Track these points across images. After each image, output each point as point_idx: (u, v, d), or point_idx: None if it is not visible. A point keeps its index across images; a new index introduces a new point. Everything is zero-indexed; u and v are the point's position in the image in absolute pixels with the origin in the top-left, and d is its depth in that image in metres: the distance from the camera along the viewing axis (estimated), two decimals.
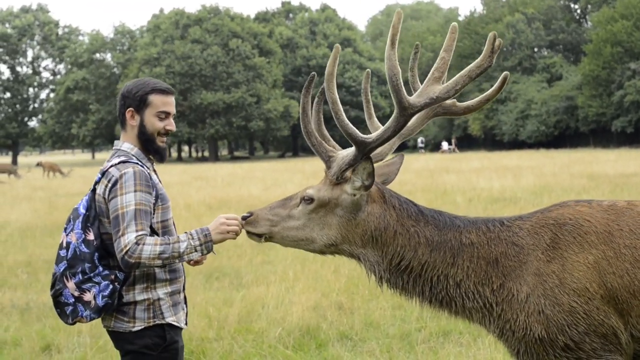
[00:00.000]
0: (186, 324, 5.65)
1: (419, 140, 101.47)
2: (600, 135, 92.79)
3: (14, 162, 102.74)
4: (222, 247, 16.82)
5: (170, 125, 5.56)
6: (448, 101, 5.66)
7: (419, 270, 5.35)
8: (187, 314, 5.70)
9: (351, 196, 5.36)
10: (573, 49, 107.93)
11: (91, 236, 5.23)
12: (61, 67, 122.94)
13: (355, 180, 5.33)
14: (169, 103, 5.54)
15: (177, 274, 5.51)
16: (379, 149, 5.71)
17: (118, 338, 5.41)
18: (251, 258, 15.96)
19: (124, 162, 5.34)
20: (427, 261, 5.34)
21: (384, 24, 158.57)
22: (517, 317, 5.20)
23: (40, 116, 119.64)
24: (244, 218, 5.49)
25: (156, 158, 5.62)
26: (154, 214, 5.33)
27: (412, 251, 5.34)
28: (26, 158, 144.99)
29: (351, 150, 5.45)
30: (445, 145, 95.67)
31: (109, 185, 5.21)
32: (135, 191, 5.14)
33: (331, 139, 5.76)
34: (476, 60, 5.26)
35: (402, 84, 5.18)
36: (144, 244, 4.98)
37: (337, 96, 5.31)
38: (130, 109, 5.46)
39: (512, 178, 32.29)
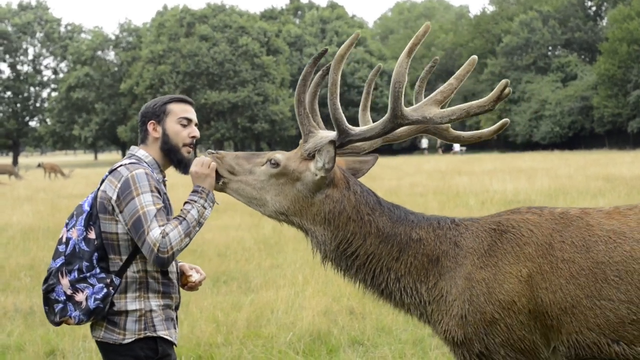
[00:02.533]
0: (176, 344, 5.67)
1: (423, 141, 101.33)
2: (616, 136, 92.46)
3: (15, 162, 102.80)
4: (230, 250, 16.89)
5: (194, 132, 5.67)
6: (442, 125, 5.79)
7: (364, 259, 5.49)
8: (177, 333, 5.72)
9: (313, 175, 5.46)
10: (588, 48, 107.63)
11: (92, 235, 5.29)
12: (63, 65, 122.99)
13: (318, 160, 5.42)
14: (189, 110, 5.68)
15: (171, 289, 5.55)
16: (358, 143, 5.85)
17: (107, 349, 5.45)
18: (259, 262, 15.95)
19: (134, 163, 5.43)
20: (373, 252, 5.47)
21: (394, 22, 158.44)
22: (442, 318, 5.29)
23: (41, 115, 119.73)
24: (210, 153, 5.62)
25: (180, 169, 5.71)
26: None
27: (362, 239, 5.46)
28: (27, 159, 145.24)
29: (332, 134, 5.58)
30: (456, 146, 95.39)
31: (119, 185, 5.27)
32: (151, 191, 5.24)
33: (319, 116, 5.87)
34: (480, 100, 5.40)
35: (402, 93, 5.31)
36: (168, 234, 5.06)
37: (339, 79, 5.45)
38: (152, 121, 5.60)
39: (526, 180, 32.20)
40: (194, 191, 5.38)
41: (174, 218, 5.26)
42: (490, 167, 47.21)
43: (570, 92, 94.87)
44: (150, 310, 5.39)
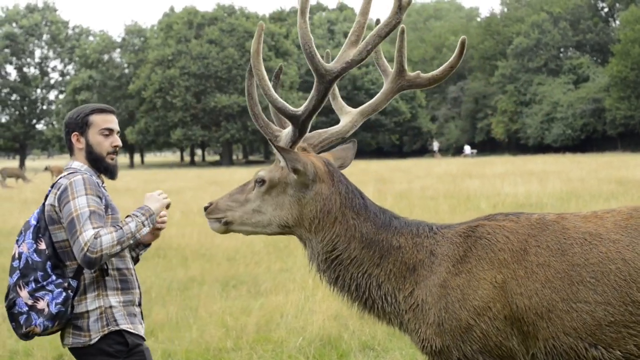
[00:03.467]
0: (144, 339, 5.81)
1: (434, 144, 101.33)
2: (628, 138, 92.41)
3: (22, 166, 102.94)
4: (239, 254, 16.89)
5: (116, 141, 5.87)
6: (411, 74, 5.87)
7: (347, 263, 5.54)
8: (144, 328, 5.87)
9: (292, 175, 5.58)
10: (600, 49, 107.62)
11: (43, 246, 5.45)
12: (70, 67, 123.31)
13: (280, 161, 5.62)
14: (110, 120, 5.84)
15: (129, 285, 5.72)
16: (339, 127, 6.02)
17: (80, 354, 5.60)
18: (269, 265, 15.95)
19: (71, 173, 5.60)
20: (356, 256, 5.53)
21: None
22: (419, 327, 5.32)
23: (47, 118, 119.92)
24: (205, 208, 5.84)
25: (107, 175, 5.89)
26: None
27: (346, 243, 5.53)
28: (34, 162, 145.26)
29: (290, 128, 5.70)
30: (467, 149, 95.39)
31: (58, 193, 5.45)
32: (86, 194, 5.38)
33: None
34: (385, 19, 5.41)
35: (315, 51, 5.40)
36: (101, 237, 5.18)
37: (265, 72, 5.57)
38: (75, 133, 5.77)
39: (537, 183, 32.13)
40: (140, 208, 5.61)
41: (111, 225, 5.41)
42: (501, 170, 47.14)
43: (582, 94, 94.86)
44: (110, 307, 5.54)
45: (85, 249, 5.13)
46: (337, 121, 6.14)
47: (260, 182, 5.70)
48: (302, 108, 5.58)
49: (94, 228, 5.20)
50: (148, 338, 10.58)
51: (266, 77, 5.57)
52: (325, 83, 5.49)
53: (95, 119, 5.72)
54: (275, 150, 5.68)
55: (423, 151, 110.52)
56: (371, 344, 10.14)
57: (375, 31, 5.42)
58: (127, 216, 5.51)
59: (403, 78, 5.85)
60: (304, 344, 10.07)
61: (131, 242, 5.36)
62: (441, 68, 5.75)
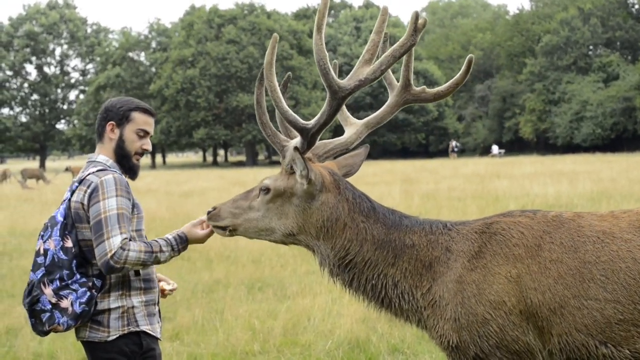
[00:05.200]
0: (160, 339, 5.89)
1: (453, 143, 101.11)
2: None
3: (42, 166, 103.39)
4: (264, 256, 16.91)
5: (147, 145, 5.91)
6: (417, 88, 5.94)
7: (361, 266, 5.62)
8: (161, 327, 5.95)
9: (301, 185, 5.64)
10: (630, 47, 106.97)
11: (69, 243, 5.45)
12: (90, 66, 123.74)
13: (295, 169, 5.65)
14: (150, 123, 5.89)
15: (152, 284, 5.78)
16: (344, 138, 6.12)
17: (93, 348, 5.62)
18: (295, 268, 15.98)
19: (101, 170, 5.61)
20: (370, 258, 5.61)
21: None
22: (437, 323, 5.40)
23: (68, 118, 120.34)
24: (208, 213, 5.87)
25: (129, 175, 5.91)
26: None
27: (358, 246, 5.61)
28: (54, 162, 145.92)
29: (299, 139, 5.78)
30: (495, 149, 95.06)
31: (89, 191, 5.46)
32: (117, 196, 5.40)
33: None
34: (399, 40, 5.44)
35: (330, 67, 5.50)
36: (129, 250, 5.24)
37: (277, 84, 5.66)
38: (112, 122, 5.78)
39: (567, 184, 32.04)
40: (179, 237, 5.66)
41: (145, 242, 5.45)
42: (530, 170, 47.01)
43: (612, 92, 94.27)
44: (132, 307, 5.60)
45: (109, 255, 5.17)
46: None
47: (265, 190, 5.77)
48: (312, 121, 5.68)
49: (121, 233, 5.24)
50: (173, 341, 10.67)
51: (278, 89, 5.65)
52: (337, 99, 5.60)
53: (137, 116, 5.77)
54: (288, 159, 5.76)
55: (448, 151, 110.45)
56: (400, 347, 10.16)
57: (390, 52, 5.48)
58: (166, 240, 5.58)
59: (409, 92, 5.95)
60: (332, 347, 10.12)
61: (152, 263, 5.43)
62: (447, 84, 5.82)
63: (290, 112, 5.66)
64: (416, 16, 5.34)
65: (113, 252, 5.17)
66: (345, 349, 10.07)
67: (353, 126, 6.19)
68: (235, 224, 5.82)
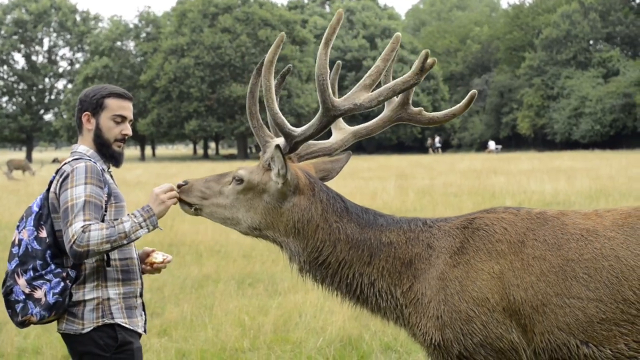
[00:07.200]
0: (145, 331, 5.89)
1: (436, 139, 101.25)
2: None
3: (29, 157, 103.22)
4: (255, 251, 16.89)
5: (127, 129, 5.88)
6: (414, 109, 6.07)
7: (335, 266, 5.68)
8: (145, 321, 5.96)
9: (275, 183, 5.68)
10: (631, 43, 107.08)
11: (43, 234, 5.51)
12: (79, 55, 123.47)
13: (273, 167, 5.67)
14: (126, 107, 5.86)
15: (131, 276, 5.75)
16: (329, 143, 6.21)
17: (70, 340, 5.65)
18: (286, 263, 15.85)
19: (76, 159, 5.65)
20: (344, 258, 5.66)
21: (426, 14, 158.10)
22: (420, 321, 5.43)
23: (56, 109, 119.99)
24: (179, 186, 5.85)
25: (112, 163, 5.91)
26: (106, 211, 5.57)
27: (331, 247, 5.66)
28: (41, 154, 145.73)
29: (283, 139, 5.85)
30: (492, 144, 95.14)
31: (60, 179, 5.50)
32: (85, 184, 5.41)
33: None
34: (404, 76, 5.57)
35: (329, 84, 5.57)
36: (90, 231, 5.20)
37: (273, 84, 5.71)
38: (87, 112, 5.80)
39: (565, 181, 32.09)
40: (141, 208, 5.56)
41: (108, 221, 5.43)
42: (527, 167, 47.11)
43: (612, 88, 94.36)
44: (108, 299, 5.59)
45: (72, 241, 5.17)
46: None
47: (239, 180, 5.80)
48: (300, 130, 5.77)
49: (85, 220, 5.23)
50: (161, 337, 10.66)
51: (273, 89, 5.69)
52: (328, 117, 5.69)
53: (111, 103, 5.76)
54: (268, 155, 5.80)
55: (445, 146, 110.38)
56: (393, 346, 10.14)
57: (391, 85, 5.57)
58: (128, 214, 5.52)
59: (405, 111, 6.07)
60: (323, 345, 10.10)
61: (124, 242, 5.34)
62: (444, 112, 6.01)
63: (280, 114, 5.71)
64: (426, 56, 5.39)
65: (75, 237, 5.16)
66: (337, 347, 10.04)
67: (341, 132, 6.27)
68: (203, 205, 5.85)
